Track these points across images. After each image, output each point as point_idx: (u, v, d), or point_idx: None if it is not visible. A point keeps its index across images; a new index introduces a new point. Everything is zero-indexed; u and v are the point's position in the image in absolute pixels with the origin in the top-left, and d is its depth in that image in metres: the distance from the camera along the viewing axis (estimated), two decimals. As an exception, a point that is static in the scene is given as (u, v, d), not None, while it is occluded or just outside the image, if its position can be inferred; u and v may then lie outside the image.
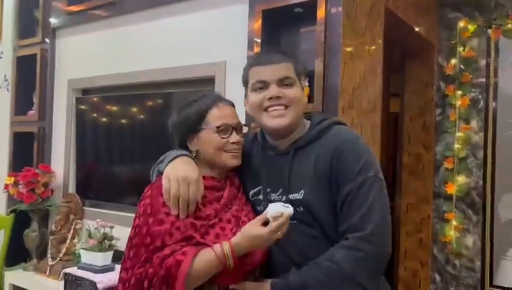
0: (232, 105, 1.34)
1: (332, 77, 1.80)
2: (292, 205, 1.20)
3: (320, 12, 1.82)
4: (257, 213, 1.29)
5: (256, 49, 1.99)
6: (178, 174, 1.18)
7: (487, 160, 2.73)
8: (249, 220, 1.20)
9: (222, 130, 1.25)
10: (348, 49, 1.85)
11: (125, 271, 1.17)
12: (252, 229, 1.11)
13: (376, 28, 2.09)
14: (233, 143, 1.26)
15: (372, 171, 1.20)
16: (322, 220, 1.22)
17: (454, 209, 2.80)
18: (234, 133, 1.27)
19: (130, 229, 1.25)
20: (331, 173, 1.21)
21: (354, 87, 1.90)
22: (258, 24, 2.00)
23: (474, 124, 2.79)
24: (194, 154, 1.27)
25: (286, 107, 1.27)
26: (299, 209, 1.24)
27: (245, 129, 1.33)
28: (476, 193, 2.77)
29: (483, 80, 2.76)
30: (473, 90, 2.79)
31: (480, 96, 2.78)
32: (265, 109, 1.27)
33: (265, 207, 1.28)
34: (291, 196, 1.25)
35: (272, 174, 1.29)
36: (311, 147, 1.27)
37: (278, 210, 1.11)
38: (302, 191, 1.24)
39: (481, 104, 2.77)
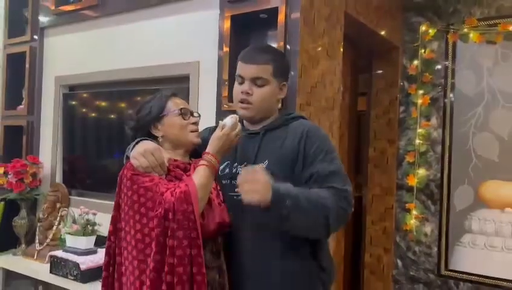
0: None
1: (291, 77, 1.99)
2: None
3: (281, 19, 2.01)
4: (223, 187, 1.50)
5: (226, 50, 2.18)
6: (139, 150, 1.39)
7: (444, 154, 2.96)
8: (214, 193, 1.44)
9: (184, 112, 1.50)
10: (306, 52, 2.05)
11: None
12: (214, 135, 1.42)
13: (335, 32, 2.29)
14: (193, 123, 1.51)
15: (335, 153, 1.48)
16: None
17: (415, 200, 3.02)
18: (192, 116, 1.52)
19: (116, 208, 1.43)
20: (299, 152, 1.44)
21: (312, 86, 2.10)
22: (227, 28, 2.19)
23: (433, 121, 3.01)
24: (160, 140, 1.48)
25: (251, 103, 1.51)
26: None
27: (198, 117, 1.56)
28: (434, 184, 2.99)
29: (442, 80, 2.98)
30: (433, 89, 3.01)
31: (439, 95, 3.00)
32: (240, 101, 1.53)
33: (230, 180, 1.50)
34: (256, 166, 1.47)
35: (242, 151, 1.52)
36: (280, 130, 1.52)
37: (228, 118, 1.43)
38: (266, 161, 1.46)
39: (440, 102, 2.99)
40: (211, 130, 1.62)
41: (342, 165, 1.47)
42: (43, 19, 3.16)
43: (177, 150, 1.50)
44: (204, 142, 1.52)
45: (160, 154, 1.40)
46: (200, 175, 1.36)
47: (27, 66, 3.19)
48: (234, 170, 1.52)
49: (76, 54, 3.02)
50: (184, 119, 1.49)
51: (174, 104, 1.51)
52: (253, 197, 1.27)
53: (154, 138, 1.50)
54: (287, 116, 1.56)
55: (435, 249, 2.98)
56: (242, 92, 1.51)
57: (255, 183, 1.27)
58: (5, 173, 2.92)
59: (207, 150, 1.41)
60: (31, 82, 3.19)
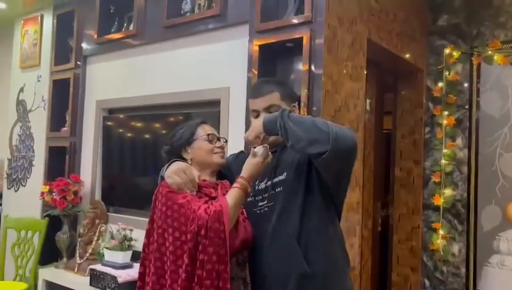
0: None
1: (315, 102, 2.12)
2: (274, 187, 1.57)
3: (305, 47, 2.15)
4: (246, 204, 1.60)
5: (254, 78, 2.32)
6: (173, 169, 1.54)
7: (471, 174, 2.98)
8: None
9: (211, 138, 1.65)
10: (330, 78, 2.16)
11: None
12: (248, 161, 1.54)
13: (358, 58, 2.40)
14: (219, 147, 1.65)
15: None
16: (297, 195, 1.53)
17: (441, 220, 3.04)
18: (218, 141, 1.67)
19: (150, 222, 1.56)
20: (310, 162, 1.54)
21: (336, 110, 2.21)
22: (255, 56, 2.34)
23: (459, 141, 3.05)
24: (189, 162, 1.62)
25: None
26: (279, 189, 1.57)
27: (224, 142, 1.71)
28: (460, 204, 3.01)
29: (467, 101, 3.03)
30: (458, 110, 3.05)
31: (464, 116, 3.04)
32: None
33: (254, 197, 1.63)
34: (275, 179, 1.59)
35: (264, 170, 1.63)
36: None
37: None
38: (285, 173, 1.58)
39: (465, 123, 3.03)
40: (234, 156, 1.78)
41: None
42: (86, 48, 3.42)
43: (204, 171, 1.63)
44: (229, 165, 1.67)
45: (191, 171, 1.54)
46: (233, 196, 1.48)
47: (71, 91, 3.44)
48: (256, 187, 1.65)
49: (115, 79, 3.24)
50: (211, 143, 1.64)
51: (202, 130, 1.66)
52: (251, 133, 1.56)
53: (184, 161, 1.64)
54: None
55: (463, 269, 2.98)
56: None
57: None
58: (50, 191, 3.14)
59: (241, 175, 1.53)
60: (74, 106, 3.44)
